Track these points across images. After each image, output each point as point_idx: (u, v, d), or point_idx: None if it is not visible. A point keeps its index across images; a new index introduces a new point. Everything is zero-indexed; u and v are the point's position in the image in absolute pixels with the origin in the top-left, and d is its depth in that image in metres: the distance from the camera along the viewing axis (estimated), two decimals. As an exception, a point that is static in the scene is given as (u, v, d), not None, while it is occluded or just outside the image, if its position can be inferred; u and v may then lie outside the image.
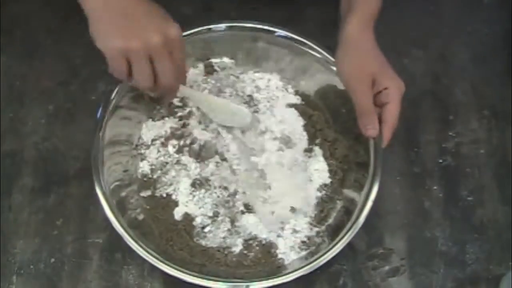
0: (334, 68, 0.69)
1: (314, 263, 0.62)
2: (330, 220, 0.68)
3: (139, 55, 0.56)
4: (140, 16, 0.57)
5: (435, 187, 0.73)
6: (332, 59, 0.70)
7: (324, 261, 0.62)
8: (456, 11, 0.85)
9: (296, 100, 0.75)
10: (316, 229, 0.68)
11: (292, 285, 0.63)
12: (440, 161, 0.75)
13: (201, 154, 0.71)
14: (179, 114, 0.73)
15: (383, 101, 0.64)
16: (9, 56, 0.78)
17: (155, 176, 0.70)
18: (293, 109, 0.74)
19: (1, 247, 0.68)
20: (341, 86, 0.68)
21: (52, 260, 0.68)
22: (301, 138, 0.73)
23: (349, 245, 0.62)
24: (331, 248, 0.62)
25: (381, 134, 0.65)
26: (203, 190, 0.69)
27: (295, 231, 0.68)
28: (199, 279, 0.61)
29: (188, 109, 0.74)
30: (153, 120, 0.73)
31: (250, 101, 0.75)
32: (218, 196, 0.69)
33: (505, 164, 0.75)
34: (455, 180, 0.74)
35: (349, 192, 0.69)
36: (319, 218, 0.68)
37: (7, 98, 0.76)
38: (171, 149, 0.71)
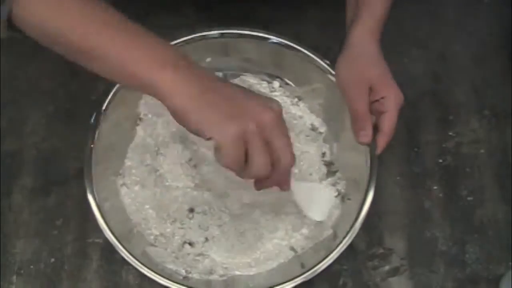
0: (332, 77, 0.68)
1: (315, 267, 0.61)
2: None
3: (257, 136, 0.50)
4: (240, 96, 0.51)
5: (435, 187, 0.73)
6: (323, 63, 0.69)
7: (326, 264, 0.61)
8: (456, 11, 0.85)
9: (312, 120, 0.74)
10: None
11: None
12: (440, 161, 0.75)
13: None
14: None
15: (380, 110, 0.63)
16: (9, 56, 0.78)
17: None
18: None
19: (1, 247, 0.68)
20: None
21: (52, 260, 0.68)
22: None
23: (349, 245, 0.62)
24: (331, 252, 0.62)
25: (375, 142, 0.63)
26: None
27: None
28: (181, 286, 0.61)
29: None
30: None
31: None
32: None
33: (505, 164, 0.75)
34: (455, 180, 0.74)
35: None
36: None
37: (7, 98, 0.75)
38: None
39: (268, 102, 0.52)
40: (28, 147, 0.73)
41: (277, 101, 0.53)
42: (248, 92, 0.53)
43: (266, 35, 0.71)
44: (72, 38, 0.50)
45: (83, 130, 0.67)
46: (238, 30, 0.71)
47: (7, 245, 0.68)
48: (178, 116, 0.50)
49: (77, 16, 0.50)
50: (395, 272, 0.69)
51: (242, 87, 0.55)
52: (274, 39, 0.71)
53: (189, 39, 0.70)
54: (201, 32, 0.71)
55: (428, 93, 0.79)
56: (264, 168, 0.51)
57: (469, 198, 0.73)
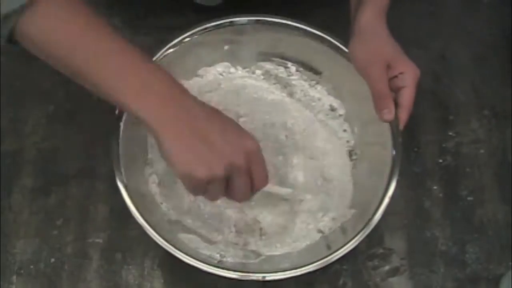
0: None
1: (329, 257, 0.60)
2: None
3: (221, 180, 0.54)
4: (216, 137, 0.53)
5: (435, 187, 0.73)
6: (339, 44, 0.70)
7: (339, 255, 0.60)
8: (456, 11, 0.85)
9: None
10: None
11: (292, 284, 0.63)
12: (440, 161, 0.75)
13: None
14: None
15: (398, 85, 0.64)
16: (9, 56, 0.78)
17: None
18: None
19: (1, 247, 0.68)
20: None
21: (52, 260, 0.68)
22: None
23: (349, 245, 0.62)
24: (346, 243, 0.61)
25: (397, 117, 0.64)
26: None
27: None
28: (216, 268, 0.60)
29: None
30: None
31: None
32: None
33: (505, 164, 0.75)
34: (455, 180, 0.74)
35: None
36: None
37: (7, 98, 0.75)
38: None
39: (243, 143, 0.55)
40: (28, 147, 0.73)
41: (252, 140, 0.56)
42: (228, 129, 0.55)
43: (289, 22, 0.72)
44: (71, 63, 0.54)
45: (83, 130, 0.67)
46: (259, 17, 0.72)
47: (7, 245, 0.68)
48: (157, 146, 0.54)
49: (79, 41, 0.53)
50: (395, 272, 0.69)
51: (226, 118, 0.56)
52: (298, 25, 0.71)
53: (218, 24, 0.71)
54: (229, 18, 0.71)
55: (428, 93, 0.79)
56: (213, 200, 0.58)
57: (469, 198, 0.73)
